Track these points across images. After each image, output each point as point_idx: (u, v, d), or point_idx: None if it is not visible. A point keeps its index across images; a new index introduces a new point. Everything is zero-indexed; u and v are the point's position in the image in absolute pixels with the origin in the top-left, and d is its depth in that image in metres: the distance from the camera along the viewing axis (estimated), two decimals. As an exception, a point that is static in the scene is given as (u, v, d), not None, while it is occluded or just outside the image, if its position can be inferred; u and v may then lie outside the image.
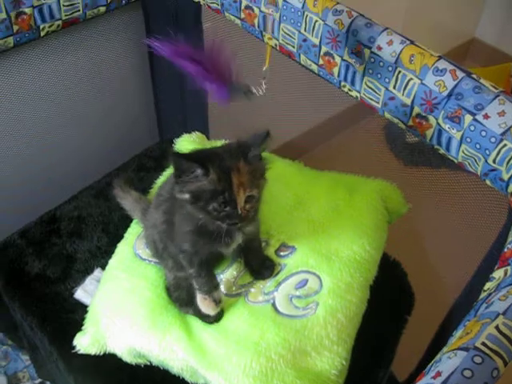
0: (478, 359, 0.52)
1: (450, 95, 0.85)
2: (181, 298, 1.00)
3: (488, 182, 0.86)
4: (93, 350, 1.02)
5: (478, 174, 0.86)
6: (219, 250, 0.92)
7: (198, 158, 0.78)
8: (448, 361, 0.54)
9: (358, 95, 1.00)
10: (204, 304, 0.95)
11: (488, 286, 0.72)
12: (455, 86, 0.84)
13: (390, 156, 1.41)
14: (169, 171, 1.26)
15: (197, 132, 1.30)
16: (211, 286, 0.95)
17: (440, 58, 0.87)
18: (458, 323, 0.69)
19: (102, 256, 1.22)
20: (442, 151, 0.91)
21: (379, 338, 1.07)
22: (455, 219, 1.19)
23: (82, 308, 1.10)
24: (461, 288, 1.03)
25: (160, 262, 1.04)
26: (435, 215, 1.32)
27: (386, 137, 1.40)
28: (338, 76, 1.01)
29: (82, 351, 1.02)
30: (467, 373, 0.51)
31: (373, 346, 1.05)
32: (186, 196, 0.80)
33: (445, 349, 0.60)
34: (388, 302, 1.11)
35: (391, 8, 1.96)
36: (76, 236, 1.27)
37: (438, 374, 0.53)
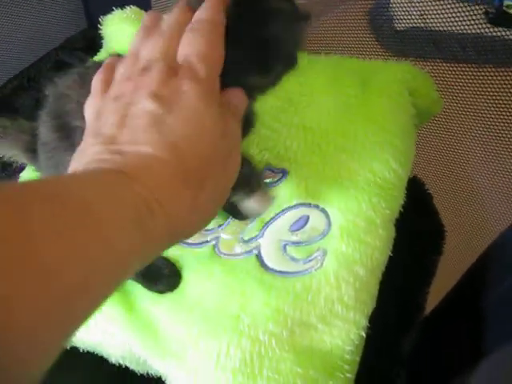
0: None
1: None
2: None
3: None
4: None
5: None
6: None
7: None
8: None
9: None
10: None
11: None
12: None
13: (374, 45, 1.22)
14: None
15: (132, 6, 0.90)
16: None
17: None
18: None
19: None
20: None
21: (404, 291, 0.77)
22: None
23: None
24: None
25: None
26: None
27: (370, 23, 1.26)
28: None
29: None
30: None
31: (396, 304, 0.75)
32: None
33: None
34: (411, 237, 0.79)
35: None
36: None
37: None
